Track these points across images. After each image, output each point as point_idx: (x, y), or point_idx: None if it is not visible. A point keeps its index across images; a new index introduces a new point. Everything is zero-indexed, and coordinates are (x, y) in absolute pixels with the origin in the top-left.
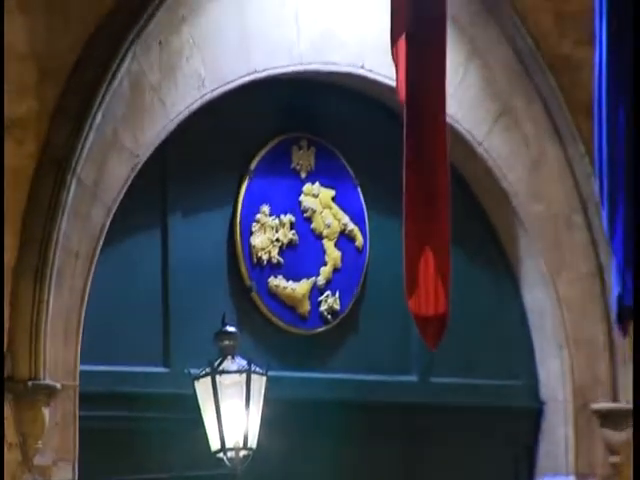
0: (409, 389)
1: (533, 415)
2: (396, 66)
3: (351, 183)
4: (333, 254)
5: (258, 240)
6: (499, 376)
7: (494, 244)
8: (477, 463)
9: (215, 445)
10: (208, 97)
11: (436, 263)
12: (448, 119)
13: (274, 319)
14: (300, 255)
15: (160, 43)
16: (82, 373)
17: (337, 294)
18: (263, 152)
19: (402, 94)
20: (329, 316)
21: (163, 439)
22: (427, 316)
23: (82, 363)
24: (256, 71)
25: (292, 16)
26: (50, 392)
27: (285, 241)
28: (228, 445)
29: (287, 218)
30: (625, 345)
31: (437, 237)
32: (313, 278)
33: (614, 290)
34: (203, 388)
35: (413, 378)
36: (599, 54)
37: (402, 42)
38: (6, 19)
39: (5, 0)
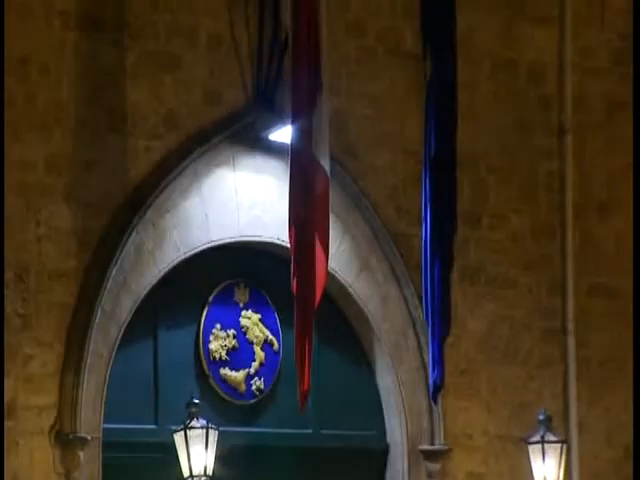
0: (306, 438)
1: (382, 454)
2: (290, 237)
3: (271, 310)
4: (260, 354)
5: (213, 345)
6: (362, 429)
7: (359, 348)
8: None
9: (186, 473)
10: (182, 257)
11: (307, 360)
12: (330, 270)
13: (223, 395)
14: (239, 355)
15: (153, 225)
16: (104, 429)
17: (262, 379)
18: (216, 290)
19: (293, 252)
20: (257, 393)
21: (154, 470)
22: (303, 391)
23: (104, 422)
24: (213, 241)
25: (234, 207)
26: (83, 441)
27: (230, 346)
28: (194, 474)
29: (231, 332)
30: (439, 409)
31: (308, 345)
32: (247, 369)
33: (430, 377)
34: (179, 438)
35: (309, 431)
36: (424, 232)
37: (292, 227)
38: (57, 209)
39: (55, 193)
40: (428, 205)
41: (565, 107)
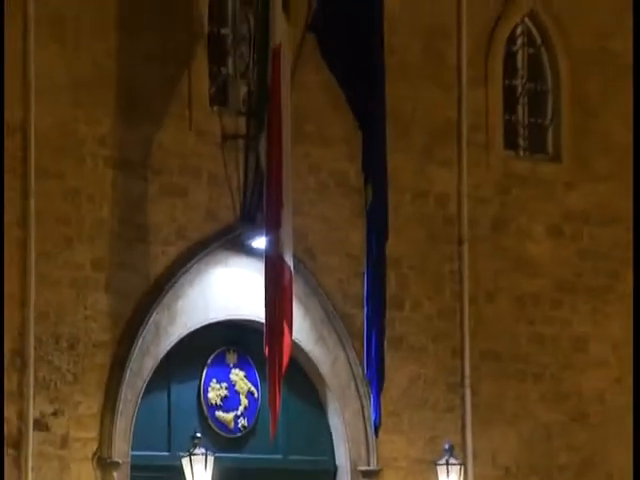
0: (278, 461)
1: (333, 473)
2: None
3: (253, 369)
4: (244, 401)
5: (210, 395)
6: (318, 455)
7: (316, 396)
8: None
9: None
10: (188, 331)
11: (277, 405)
12: (295, 340)
13: (217, 430)
14: (230, 401)
15: (167, 308)
16: (132, 455)
17: (246, 419)
18: (214, 354)
19: (266, 328)
20: (242, 429)
21: None
22: (273, 425)
23: (132, 450)
24: (210, 319)
25: (227, 294)
26: (117, 465)
27: (223, 395)
28: None
29: (224, 384)
30: (375, 440)
31: (277, 394)
32: (235, 412)
33: (372, 419)
34: (185, 462)
35: (280, 456)
36: (365, 313)
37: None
38: (98, 297)
39: (98, 285)
40: (368, 294)
41: (462, 224)
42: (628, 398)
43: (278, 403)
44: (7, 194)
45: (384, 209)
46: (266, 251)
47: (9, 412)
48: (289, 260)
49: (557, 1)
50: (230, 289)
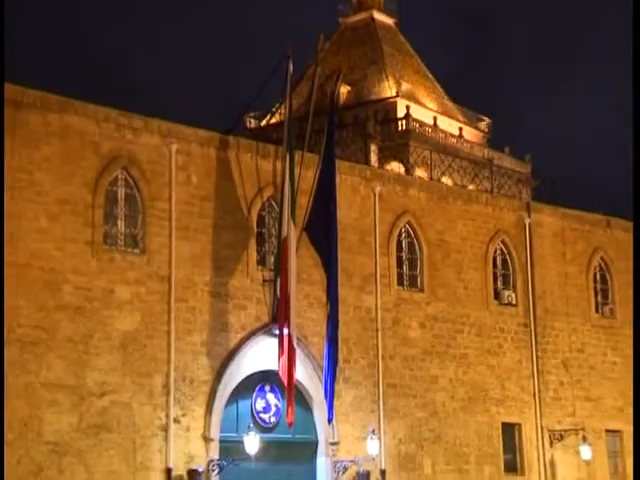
0: (290, 438)
1: (316, 443)
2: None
3: (278, 392)
4: (273, 408)
5: (257, 405)
6: (309, 434)
7: (309, 408)
8: (303, 467)
9: (248, 451)
10: (246, 375)
11: (291, 411)
12: (297, 379)
13: (260, 423)
14: (267, 408)
15: (230, 367)
16: (220, 435)
17: (276, 417)
18: (258, 386)
19: (285, 380)
20: (274, 422)
21: (236, 449)
22: (289, 422)
23: (220, 433)
24: (254, 369)
25: (264, 359)
26: (213, 439)
27: (263, 405)
28: (250, 452)
29: (263, 400)
30: (334, 427)
31: (291, 407)
32: (269, 413)
33: (328, 418)
34: (246, 438)
35: (290, 435)
36: (326, 371)
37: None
38: (201, 362)
39: (201, 356)
40: (327, 356)
41: (378, 321)
42: (455, 405)
43: (293, 411)
44: (160, 310)
45: (337, 315)
46: (279, 336)
47: (162, 415)
48: (294, 340)
49: (422, 216)
50: (266, 354)
